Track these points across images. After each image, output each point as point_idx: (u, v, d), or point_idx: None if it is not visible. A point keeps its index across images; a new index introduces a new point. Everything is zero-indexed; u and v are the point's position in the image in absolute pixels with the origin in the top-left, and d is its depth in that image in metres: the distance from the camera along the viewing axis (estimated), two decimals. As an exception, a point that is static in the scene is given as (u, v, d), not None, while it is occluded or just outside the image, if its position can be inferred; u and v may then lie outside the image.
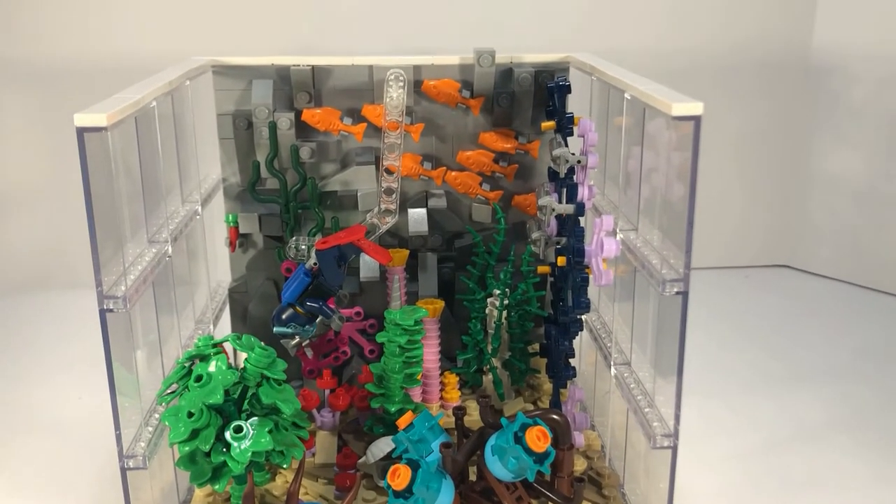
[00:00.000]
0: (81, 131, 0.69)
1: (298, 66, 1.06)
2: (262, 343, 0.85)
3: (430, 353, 1.07)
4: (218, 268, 1.17)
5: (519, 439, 0.80)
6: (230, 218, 1.11)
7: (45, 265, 1.62)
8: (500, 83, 1.08)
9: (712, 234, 1.69)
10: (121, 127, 0.75)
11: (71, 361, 1.33)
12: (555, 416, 0.86)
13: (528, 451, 0.80)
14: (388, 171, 1.05)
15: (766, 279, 1.70)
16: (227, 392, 0.82)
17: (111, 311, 0.74)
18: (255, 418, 0.82)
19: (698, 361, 1.30)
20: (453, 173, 1.11)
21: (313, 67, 1.06)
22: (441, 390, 1.09)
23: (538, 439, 0.79)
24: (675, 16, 1.59)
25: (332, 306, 0.98)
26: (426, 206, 1.12)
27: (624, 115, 0.89)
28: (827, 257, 1.69)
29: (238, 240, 1.12)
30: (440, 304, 1.07)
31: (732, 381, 1.27)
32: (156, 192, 0.88)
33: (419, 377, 1.01)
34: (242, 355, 0.87)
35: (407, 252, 1.09)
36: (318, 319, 0.98)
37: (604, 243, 0.86)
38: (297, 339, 0.98)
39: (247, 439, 0.80)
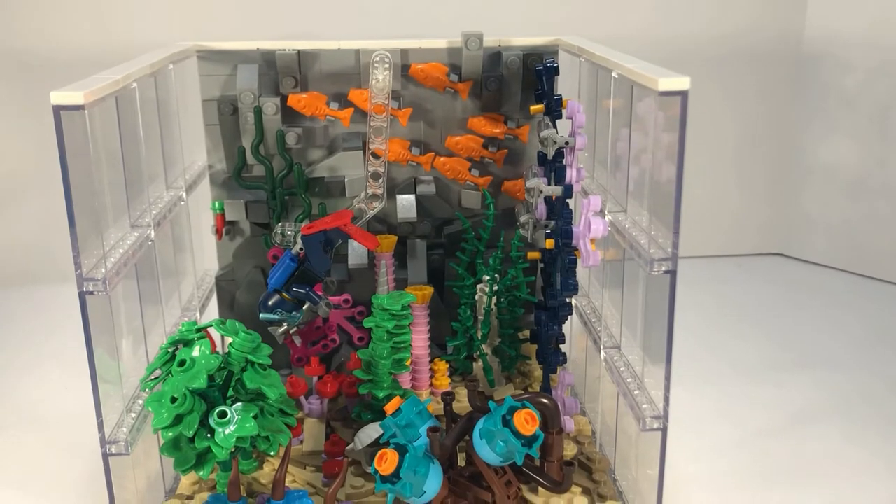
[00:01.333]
0: (58, 109, 0.68)
1: (284, 50, 1.05)
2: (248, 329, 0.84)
3: (420, 339, 1.06)
4: (205, 256, 1.15)
5: (507, 422, 0.79)
6: (216, 205, 1.10)
7: (30, 259, 1.61)
8: (489, 67, 1.07)
9: (706, 223, 1.68)
10: (100, 107, 0.74)
11: (56, 354, 1.32)
12: (543, 400, 0.85)
13: (517, 434, 0.79)
14: (375, 156, 1.04)
15: (760, 267, 1.69)
16: (211, 377, 0.81)
17: (91, 293, 0.73)
18: (240, 404, 0.81)
19: (692, 348, 1.30)
20: (442, 159, 1.10)
21: (299, 52, 1.05)
22: (431, 377, 1.08)
23: (526, 422, 0.78)
24: (667, 4, 1.58)
25: (319, 293, 0.97)
26: (415, 192, 1.11)
27: (612, 94, 0.88)
28: (820, 245, 1.69)
29: (225, 227, 1.11)
30: (429, 290, 1.06)
31: (727, 368, 1.27)
32: (138, 175, 0.87)
33: (408, 363, 0.99)
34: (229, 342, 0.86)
35: (395, 238, 1.08)
36: (305, 306, 0.97)
37: (591, 223, 0.85)
38: (285, 326, 0.97)
39: (231, 424, 0.79)
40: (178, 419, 0.78)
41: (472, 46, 1.05)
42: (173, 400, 0.78)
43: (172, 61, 0.97)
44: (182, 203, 1.00)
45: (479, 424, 0.82)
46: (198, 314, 1.05)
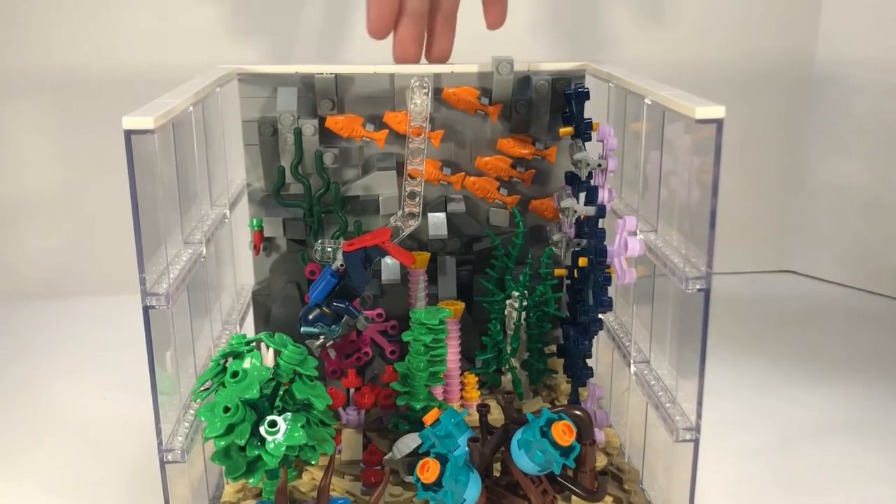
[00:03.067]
0: (129, 133, 0.72)
1: (322, 74, 1.08)
2: (291, 342, 0.88)
3: (451, 353, 1.09)
4: (242, 271, 1.19)
5: (545, 433, 0.83)
6: (254, 222, 1.14)
7: (58, 273, 1.64)
8: (518, 90, 1.11)
9: (720, 241, 1.70)
10: (161, 130, 0.78)
11: (90, 365, 1.35)
12: (577, 412, 0.89)
13: (555, 444, 0.82)
14: (412, 176, 1.08)
15: (772, 284, 1.73)
16: (260, 388, 0.84)
17: (153, 307, 0.76)
18: (288, 413, 0.84)
19: (710, 363, 1.33)
20: (472, 178, 1.14)
21: (336, 76, 1.09)
22: (461, 390, 1.12)
23: (564, 433, 0.82)
24: (683, 29, 1.63)
25: (356, 307, 1.01)
26: (445, 210, 1.14)
27: (644, 120, 0.92)
28: (831, 263, 1.72)
29: (262, 243, 1.15)
30: (461, 305, 1.10)
31: (745, 382, 1.30)
32: (190, 194, 0.91)
33: (442, 375, 1.03)
34: (268, 357, 0.88)
35: (429, 255, 1.12)
36: (343, 319, 1.00)
37: (628, 242, 0.88)
38: (322, 339, 1.01)
39: (280, 434, 0.83)
40: (231, 428, 0.82)
41: (502, 71, 1.09)
42: (226, 409, 0.81)
43: (219, 85, 1.00)
44: (226, 221, 1.04)
45: (518, 435, 0.85)
46: (238, 327, 1.09)
